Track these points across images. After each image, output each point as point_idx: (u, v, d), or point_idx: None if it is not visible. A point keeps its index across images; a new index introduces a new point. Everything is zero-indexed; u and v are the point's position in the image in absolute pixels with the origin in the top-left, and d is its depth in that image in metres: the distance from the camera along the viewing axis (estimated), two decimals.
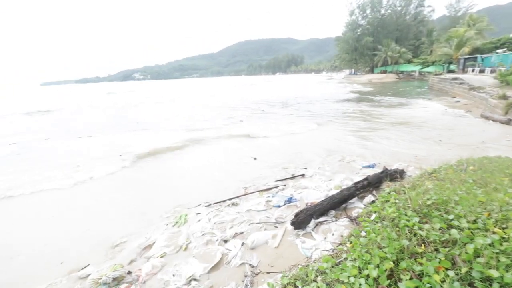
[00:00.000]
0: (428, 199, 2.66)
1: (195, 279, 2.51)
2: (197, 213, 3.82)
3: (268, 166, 5.82)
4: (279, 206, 3.84)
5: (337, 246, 2.56)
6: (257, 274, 2.57)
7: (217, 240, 3.10)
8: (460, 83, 18.53)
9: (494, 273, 1.62)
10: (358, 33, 58.51)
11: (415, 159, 5.73)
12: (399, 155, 6.20)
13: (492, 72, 20.75)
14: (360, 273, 1.84)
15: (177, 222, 3.59)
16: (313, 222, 3.27)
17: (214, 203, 4.05)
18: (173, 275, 2.59)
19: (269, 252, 2.89)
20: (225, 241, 3.10)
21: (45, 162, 7.06)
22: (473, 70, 25.13)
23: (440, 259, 1.83)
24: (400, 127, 9.38)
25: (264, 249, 2.95)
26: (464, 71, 28.64)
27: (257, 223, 3.46)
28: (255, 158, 6.41)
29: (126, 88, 61.04)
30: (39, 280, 2.69)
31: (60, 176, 5.82)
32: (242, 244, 3.01)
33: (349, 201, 3.81)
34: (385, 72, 53.50)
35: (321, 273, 1.98)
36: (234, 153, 7.16)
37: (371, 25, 57.01)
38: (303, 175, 5.02)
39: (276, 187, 4.53)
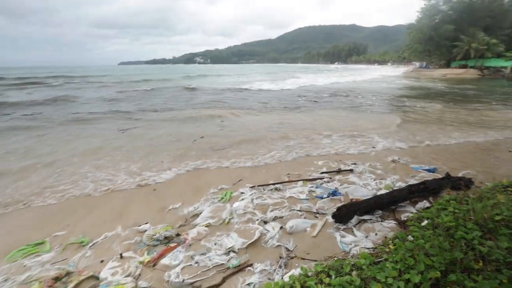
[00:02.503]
0: (497, 214, 2.33)
1: (233, 251, 2.71)
2: (241, 192, 4.03)
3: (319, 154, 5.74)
4: (321, 198, 3.80)
5: (378, 246, 2.46)
6: (292, 258, 2.65)
7: (257, 220, 3.25)
8: None
9: None
10: (437, 20, 50.86)
11: (487, 169, 4.97)
12: (466, 160, 5.45)
13: None
14: (399, 276, 1.75)
15: (222, 197, 3.86)
16: (356, 219, 3.17)
17: (258, 186, 4.20)
18: (215, 244, 2.84)
19: (306, 239, 2.93)
20: (265, 222, 3.23)
21: None
22: None
23: (501, 281, 1.63)
24: (470, 127, 8.13)
25: (301, 236, 3.00)
26: None
27: (297, 210, 3.50)
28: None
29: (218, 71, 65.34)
30: (107, 230, 3.22)
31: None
32: (281, 227, 3.10)
33: (400, 204, 3.57)
34: (465, 66, 46.17)
35: (357, 268, 1.95)
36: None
37: (454, 10, 48.78)
38: (351, 170, 4.82)
39: (321, 179, 4.46)
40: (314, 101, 15.06)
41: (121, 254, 2.71)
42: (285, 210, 3.49)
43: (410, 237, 2.26)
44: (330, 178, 4.52)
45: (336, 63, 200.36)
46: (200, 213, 3.46)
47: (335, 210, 3.30)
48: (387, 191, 3.96)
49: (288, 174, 4.77)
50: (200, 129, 8.59)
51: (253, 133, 7.90)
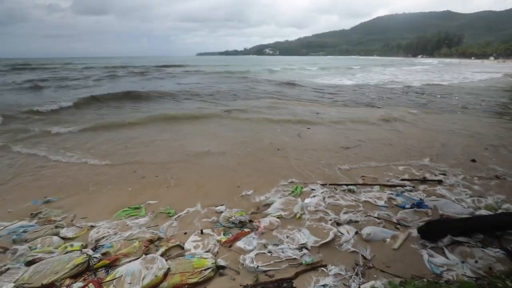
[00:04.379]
0: None
1: (306, 248, 2.68)
2: (312, 189, 3.94)
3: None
4: (403, 207, 3.42)
5: (487, 276, 2.08)
6: (370, 267, 2.47)
7: (330, 220, 3.13)
8: None
9: None
10: None
11: None
12: None
13: None
14: None
15: (293, 191, 3.85)
16: (449, 238, 2.75)
17: (330, 184, 4.04)
18: (287, 237, 2.85)
19: (386, 251, 2.69)
20: (338, 224, 3.09)
21: None
22: None
23: None
24: None
25: (380, 246, 2.76)
26: None
27: (375, 217, 3.23)
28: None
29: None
30: (189, 205, 3.56)
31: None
32: (356, 232, 2.92)
33: (508, 231, 2.94)
34: None
35: None
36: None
37: None
38: (440, 181, 4.20)
39: (402, 186, 4.02)
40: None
41: (201, 230, 2.98)
42: (360, 215, 3.27)
43: None
44: (413, 187, 4.03)
45: (419, 56, 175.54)
46: (272, 203, 3.52)
47: (421, 223, 2.94)
48: (490, 212, 3.33)
49: (362, 176, 4.45)
50: None
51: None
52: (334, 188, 3.95)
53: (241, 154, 5.65)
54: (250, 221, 3.17)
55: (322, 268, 2.45)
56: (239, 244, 2.76)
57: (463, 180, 4.36)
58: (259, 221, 3.13)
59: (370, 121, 8.56)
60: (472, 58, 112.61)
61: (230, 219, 3.12)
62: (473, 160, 5.18)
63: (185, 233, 2.98)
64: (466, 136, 7.06)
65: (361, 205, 3.50)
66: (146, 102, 12.33)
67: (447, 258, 2.55)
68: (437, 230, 2.77)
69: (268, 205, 3.52)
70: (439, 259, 2.52)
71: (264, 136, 6.86)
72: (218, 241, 2.82)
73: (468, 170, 4.75)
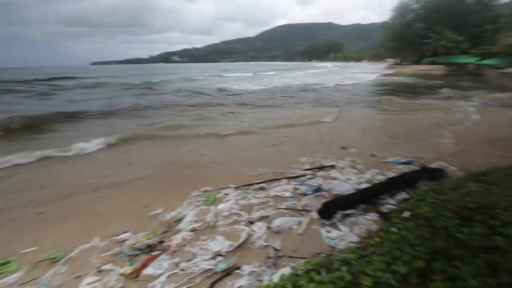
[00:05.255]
0: (471, 202, 2.45)
1: (220, 255, 2.65)
2: (225, 194, 3.96)
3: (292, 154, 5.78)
4: (306, 195, 3.82)
5: (364, 240, 2.50)
6: (280, 257, 2.63)
7: (243, 221, 3.21)
8: None
9: None
10: (409, 19, 53.43)
11: (457, 157, 5.27)
12: (441, 151, 5.75)
13: None
14: (388, 268, 1.78)
15: (206, 200, 3.77)
16: (340, 214, 3.22)
17: (242, 186, 4.15)
18: (201, 249, 2.75)
19: (293, 237, 2.93)
20: (251, 223, 3.19)
21: None
22: None
23: (478, 265, 1.71)
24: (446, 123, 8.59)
25: (288, 234, 2.99)
26: None
27: (283, 208, 3.49)
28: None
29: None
30: (83, 241, 3.02)
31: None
32: (267, 227, 3.08)
33: (380, 197, 3.66)
34: (434, 63, 48.75)
35: (346, 263, 1.96)
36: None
37: (425, 9, 51.49)
38: (333, 166, 4.90)
39: (304, 176, 4.49)
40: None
41: (99, 268, 2.55)
42: (270, 209, 3.47)
43: (393, 229, 2.31)
44: (313, 175, 4.57)
45: (313, 60, 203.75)
46: (184, 217, 3.35)
47: (320, 206, 3.33)
48: (368, 185, 4.07)
49: (271, 172, 4.76)
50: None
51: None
52: (247, 189, 4.07)
53: (151, 171, 5.21)
54: (161, 241, 2.93)
55: (238, 271, 2.46)
56: (148, 270, 2.50)
57: (350, 162, 5.20)
58: (170, 240, 2.92)
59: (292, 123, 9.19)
60: (353, 61, 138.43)
61: (136, 246, 2.79)
62: (343, 147, 6.18)
63: (78, 277, 2.49)
64: (351, 126, 8.56)
65: (271, 200, 3.73)
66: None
67: (340, 230, 2.98)
68: (331, 209, 3.20)
69: (180, 220, 3.33)
70: (334, 233, 2.91)
71: (179, 152, 6.50)
72: (122, 274, 2.47)
73: (353, 154, 5.72)
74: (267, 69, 63.33)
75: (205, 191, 4.10)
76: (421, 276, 1.70)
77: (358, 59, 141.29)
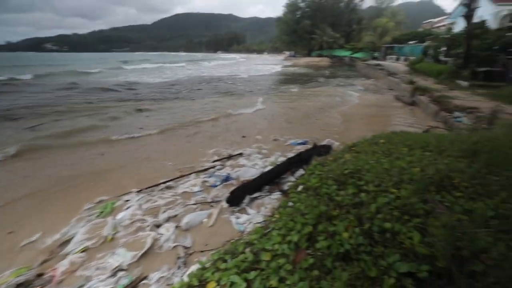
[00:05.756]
0: (346, 169, 2.99)
1: (122, 269, 2.35)
2: (126, 200, 3.53)
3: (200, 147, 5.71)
4: (215, 186, 3.83)
5: (268, 218, 2.70)
6: (191, 254, 2.56)
7: (148, 226, 2.94)
8: (380, 69, 21.07)
9: (387, 225, 1.94)
10: (298, 16, 60.29)
11: (341, 134, 6.38)
12: (330, 130, 6.83)
13: (405, 60, 24.11)
14: (283, 240, 1.98)
15: (101, 212, 3.26)
16: (248, 198, 3.37)
17: (146, 188, 3.79)
18: (96, 269, 2.37)
19: (204, 231, 2.89)
20: (157, 226, 2.96)
21: None
22: (392, 58, 28.85)
23: (349, 219, 2.10)
24: (334, 106, 10.23)
25: (199, 229, 2.93)
26: (385, 58, 32.59)
27: (192, 204, 3.39)
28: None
29: None
30: None
31: None
32: (176, 227, 2.93)
33: (283, 176, 4.04)
34: (321, 55, 56.92)
35: (250, 244, 2.07)
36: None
37: (310, 8, 59.16)
38: (241, 154, 5.09)
39: (213, 167, 4.49)
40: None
41: None
42: (179, 207, 3.32)
43: (290, 203, 2.58)
44: (222, 165, 4.62)
45: (218, 51, 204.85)
46: (72, 237, 2.80)
47: (228, 195, 3.39)
48: (271, 167, 4.41)
49: (179, 168, 4.54)
50: None
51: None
52: (152, 191, 3.75)
53: (31, 188, 4.10)
54: (40, 275, 2.36)
55: (144, 281, 2.25)
56: None
57: (256, 148, 5.52)
58: (54, 269, 2.39)
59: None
60: (254, 53, 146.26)
61: None
62: (244, 136, 6.46)
63: None
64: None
65: (179, 197, 3.56)
66: None
67: (248, 214, 3.12)
68: (239, 196, 3.31)
69: (67, 242, 2.77)
70: (242, 218, 3.04)
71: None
72: None
73: (259, 141, 6.09)
74: (173, 60, 59.53)
75: (100, 202, 3.54)
76: (309, 239, 1.96)
77: (260, 51, 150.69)
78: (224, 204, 3.32)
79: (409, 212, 2.10)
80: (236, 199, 3.27)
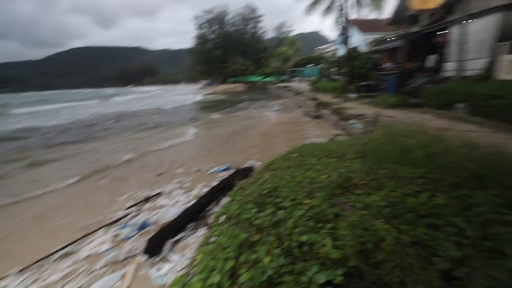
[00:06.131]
0: (264, 189, 3.04)
1: None
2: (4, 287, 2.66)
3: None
4: (130, 238, 3.31)
5: (192, 261, 2.45)
6: None
7: None
8: (289, 90, 23.68)
9: (304, 238, 2.00)
10: (210, 46, 63.06)
11: (262, 153, 6.65)
12: (251, 152, 7.03)
13: (308, 81, 27.91)
14: (205, 284, 1.79)
15: None
16: (170, 243, 3.02)
17: (33, 264, 2.95)
18: None
19: None
20: None
21: None
22: (296, 80, 32.92)
23: (270, 241, 2.08)
24: (253, 128, 10.68)
25: None
26: (291, 80, 36.92)
27: (100, 267, 2.81)
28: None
29: None
30: None
31: None
32: None
33: (208, 208, 3.84)
34: (236, 82, 60.29)
35: None
36: None
37: (220, 38, 62.83)
38: (159, 194, 4.64)
39: (127, 215, 3.91)
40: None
41: None
42: (82, 278, 2.68)
43: (212, 239, 2.41)
44: (138, 210, 4.09)
45: (130, 85, 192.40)
46: None
47: (145, 244, 2.97)
48: (194, 201, 4.16)
49: (83, 226, 3.78)
50: None
51: None
52: (41, 266, 2.95)
53: None
54: None
55: None
56: None
57: (177, 183, 5.15)
58: None
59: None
60: (170, 84, 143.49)
61: None
62: (160, 174, 5.90)
63: None
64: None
65: (82, 264, 2.90)
66: None
67: (171, 261, 2.77)
68: (158, 242, 2.93)
69: None
70: (164, 268, 2.67)
71: None
72: None
73: (180, 175, 5.73)
74: (76, 98, 52.13)
75: None
76: (232, 275, 1.83)
77: (175, 81, 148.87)
78: (142, 257, 2.87)
79: (321, 219, 2.23)
80: (155, 247, 2.87)
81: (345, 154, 3.97)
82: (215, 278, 1.76)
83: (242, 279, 1.70)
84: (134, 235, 3.33)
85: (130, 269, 2.70)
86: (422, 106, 9.11)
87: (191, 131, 11.13)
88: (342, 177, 2.97)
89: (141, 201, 4.37)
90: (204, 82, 76.45)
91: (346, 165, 3.33)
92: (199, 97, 35.02)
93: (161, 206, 4.14)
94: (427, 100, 8.89)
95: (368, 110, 9.28)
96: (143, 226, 3.49)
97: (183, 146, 8.82)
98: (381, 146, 3.70)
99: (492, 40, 8.09)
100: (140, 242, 3.18)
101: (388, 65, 13.86)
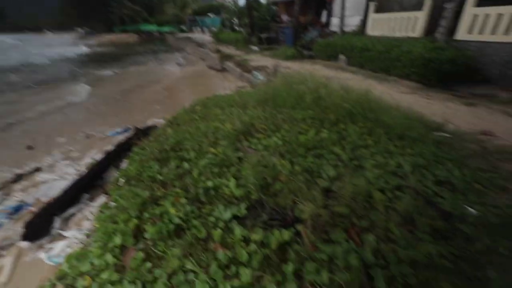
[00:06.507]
0: (167, 145, 2.89)
1: None
2: None
3: None
4: (1, 225, 2.66)
5: (91, 232, 2.20)
6: None
7: None
8: (190, 42, 21.85)
9: (209, 183, 2.07)
10: None
11: (165, 110, 6.19)
12: (153, 109, 6.43)
13: (209, 31, 26.22)
14: (105, 249, 1.65)
15: None
16: (60, 220, 2.60)
17: None
18: None
19: None
20: None
21: None
22: (197, 30, 30.43)
23: (176, 192, 2.06)
24: (153, 86, 9.58)
25: None
26: (191, 30, 33.90)
27: None
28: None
29: None
30: None
31: None
32: None
33: (105, 176, 3.42)
34: (126, 31, 50.87)
35: (61, 277, 1.59)
36: None
37: None
38: (38, 169, 3.78)
39: None
40: None
41: None
42: None
43: (111, 203, 2.20)
44: (8, 193, 3.25)
45: None
46: None
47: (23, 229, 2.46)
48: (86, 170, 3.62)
49: None
50: None
51: None
52: None
53: None
54: None
55: None
56: None
57: (61, 154, 4.30)
58: None
59: None
60: (28, 32, 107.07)
61: None
62: (30, 147, 4.66)
63: None
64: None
65: None
66: None
67: (65, 239, 2.43)
68: (41, 223, 2.46)
69: None
70: (57, 248, 2.32)
71: None
72: None
73: (64, 144, 4.75)
74: None
75: None
76: (136, 234, 1.75)
77: (36, 29, 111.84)
78: (24, 243, 2.38)
79: (225, 164, 2.33)
80: (37, 230, 2.41)
81: (247, 103, 4.12)
82: (116, 240, 1.64)
83: (148, 235, 1.65)
84: (6, 221, 2.68)
85: (7, 260, 2.21)
86: (314, 57, 10.16)
87: (78, 90, 9.10)
88: (245, 124, 3.12)
89: (9, 182, 3.46)
90: (82, 31, 61.15)
91: (249, 113, 3.48)
92: (81, 50, 28.19)
93: (42, 183, 3.42)
94: (317, 52, 9.93)
95: (269, 62, 9.68)
96: (18, 208, 2.83)
97: (68, 109, 7.21)
98: (279, 94, 4.01)
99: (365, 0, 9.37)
100: (18, 227, 2.61)
101: (285, 17, 14.40)
